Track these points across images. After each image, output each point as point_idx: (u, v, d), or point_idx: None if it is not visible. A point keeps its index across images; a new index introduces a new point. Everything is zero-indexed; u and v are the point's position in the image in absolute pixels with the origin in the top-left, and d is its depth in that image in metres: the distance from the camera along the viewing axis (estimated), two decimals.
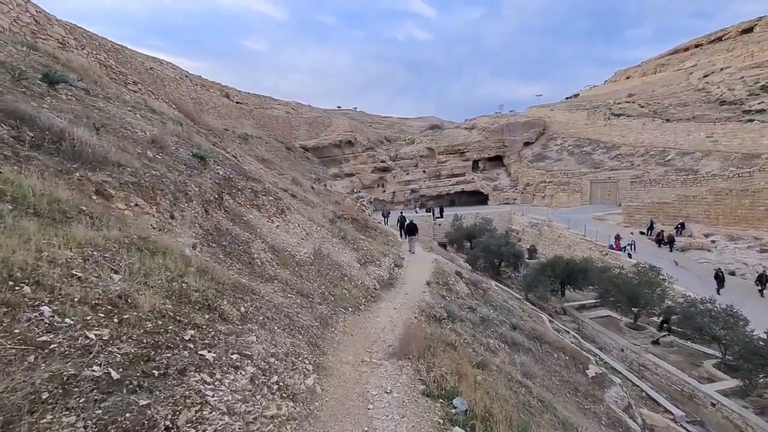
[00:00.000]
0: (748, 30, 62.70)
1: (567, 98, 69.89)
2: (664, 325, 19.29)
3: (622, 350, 18.91)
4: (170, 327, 2.77)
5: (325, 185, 40.42)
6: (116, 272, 2.96)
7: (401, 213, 28.51)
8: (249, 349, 3.08)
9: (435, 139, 56.41)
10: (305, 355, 3.80)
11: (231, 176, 7.70)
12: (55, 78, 6.36)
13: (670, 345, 18.70)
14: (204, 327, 3.01)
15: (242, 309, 3.51)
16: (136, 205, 4.02)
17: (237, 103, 41.82)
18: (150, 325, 2.67)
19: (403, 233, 17.47)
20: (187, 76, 41.83)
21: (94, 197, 3.86)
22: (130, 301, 2.73)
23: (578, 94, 72.01)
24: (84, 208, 3.53)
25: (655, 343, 19.03)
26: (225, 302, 3.35)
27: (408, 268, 13.02)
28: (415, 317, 7.00)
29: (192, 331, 2.85)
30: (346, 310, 6.31)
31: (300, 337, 3.97)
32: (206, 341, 2.88)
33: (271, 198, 8.44)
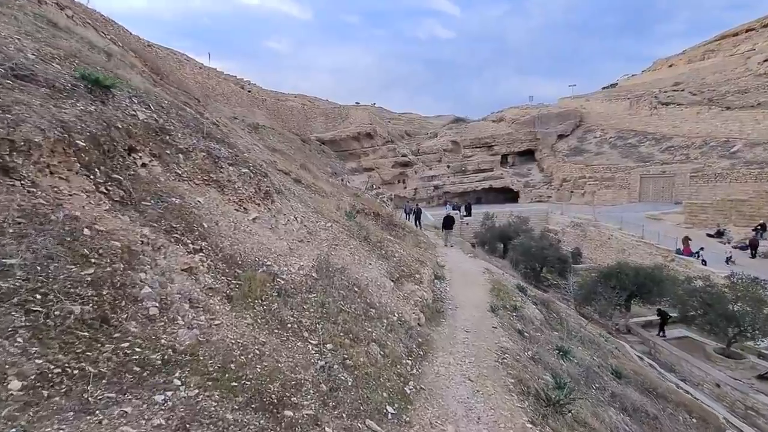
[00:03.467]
0: None
1: (603, 88, 64.63)
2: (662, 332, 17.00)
3: (718, 386, 14.72)
4: None
5: (342, 179, 37.14)
6: None
7: (417, 205, 27.00)
8: None
9: (460, 132, 52.37)
10: None
11: (166, 127, 4.30)
12: None
13: None
14: None
15: None
16: None
17: (248, 92, 38.87)
18: None
19: (419, 225, 18.86)
20: (201, 67, 39.14)
21: None
22: None
23: (616, 84, 66.55)
24: None
25: (763, 378, 14.79)
26: None
27: (453, 280, 9.43)
28: (519, 407, 3.37)
29: None
30: (381, 417, 2.75)
31: None
32: None
33: (247, 172, 4.99)
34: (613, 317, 18.62)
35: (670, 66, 65.25)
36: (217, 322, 2.64)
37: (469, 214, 36.86)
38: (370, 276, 5.61)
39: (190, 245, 3.18)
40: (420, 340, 4.78)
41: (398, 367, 3.62)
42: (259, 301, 3.24)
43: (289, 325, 3.18)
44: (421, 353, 4.42)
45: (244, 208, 4.63)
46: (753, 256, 22.74)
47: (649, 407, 7.02)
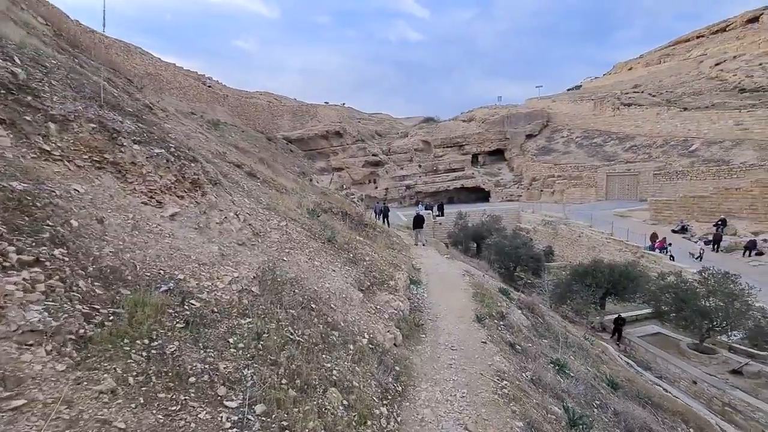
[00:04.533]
0: (754, 20, 60.36)
1: (569, 90, 66.39)
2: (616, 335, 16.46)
3: (695, 383, 14.59)
4: None
5: (310, 180, 35.67)
6: None
7: (384, 204, 26.66)
8: None
9: (431, 131, 52.03)
10: None
11: (32, 86, 2.99)
12: None
13: (756, 375, 14.47)
14: None
15: None
16: None
17: (209, 87, 36.58)
18: None
19: (387, 224, 18.59)
20: (156, 61, 36.31)
21: None
22: None
23: (580, 86, 68.58)
24: None
25: (736, 372, 14.79)
26: None
27: (431, 285, 8.45)
28: None
29: None
30: None
31: None
32: None
33: (162, 153, 3.73)
34: (589, 315, 18.36)
35: (630, 69, 67.99)
36: (16, 403, 1.43)
37: (441, 213, 36.32)
38: (333, 286, 4.47)
39: (14, 256, 1.94)
40: (397, 368, 3.71)
41: (369, 424, 2.53)
42: (144, 341, 2.06)
43: (194, 380, 2.01)
44: (400, 389, 3.35)
45: (157, 201, 3.40)
46: (715, 250, 23.35)
47: (653, 425, 6.25)
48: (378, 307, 4.96)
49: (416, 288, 7.99)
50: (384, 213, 20.53)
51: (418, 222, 16.24)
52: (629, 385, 7.99)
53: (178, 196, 3.61)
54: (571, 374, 6.12)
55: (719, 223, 25.41)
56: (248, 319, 2.75)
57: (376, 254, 7.59)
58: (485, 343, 5.23)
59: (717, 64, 50.16)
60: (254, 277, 3.43)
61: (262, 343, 2.53)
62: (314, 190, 15.88)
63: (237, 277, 3.21)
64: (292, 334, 2.87)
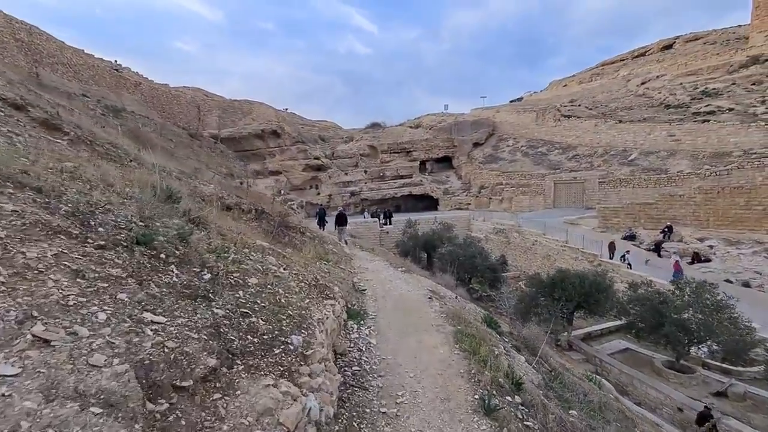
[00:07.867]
0: (668, 46, 66.34)
1: (511, 101, 67.94)
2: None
3: (681, 410, 12.65)
4: None
5: (241, 182, 31.00)
6: None
7: (320, 207, 25.36)
8: None
9: (377, 136, 49.45)
10: None
11: None
12: None
13: (742, 397, 12.91)
14: None
15: None
16: None
17: (115, 70, 30.61)
18: None
19: (323, 228, 18.01)
20: (39, 31, 29.35)
21: None
22: None
23: (522, 98, 70.64)
24: None
25: (721, 394, 13.17)
26: None
27: (382, 318, 5.15)
28: None
29: None
30: None
31: None
32: None
33: None
34: (557, 333, 16.17)
35: (564, 86, 71.54)
36: None
37: (389, 222, 33.46)
38: None
39: None
40: None
41: None
42: None
43: None
44: None
45: None
46: (659, 256, 22.85)
47: None
48: None
49: (358, 327, 4.61)
50: (320, 216, 18.55)
51: (341, 219, 16.26)
52: None
53: None
54: None
55: (665, 230, 25.18)
56: None
57: (288, 270, 4.08)
58: None
59: (643, 83, 53.65)
60: None
61: None
62: (226, 183, 11.73)
63: None
64: None
